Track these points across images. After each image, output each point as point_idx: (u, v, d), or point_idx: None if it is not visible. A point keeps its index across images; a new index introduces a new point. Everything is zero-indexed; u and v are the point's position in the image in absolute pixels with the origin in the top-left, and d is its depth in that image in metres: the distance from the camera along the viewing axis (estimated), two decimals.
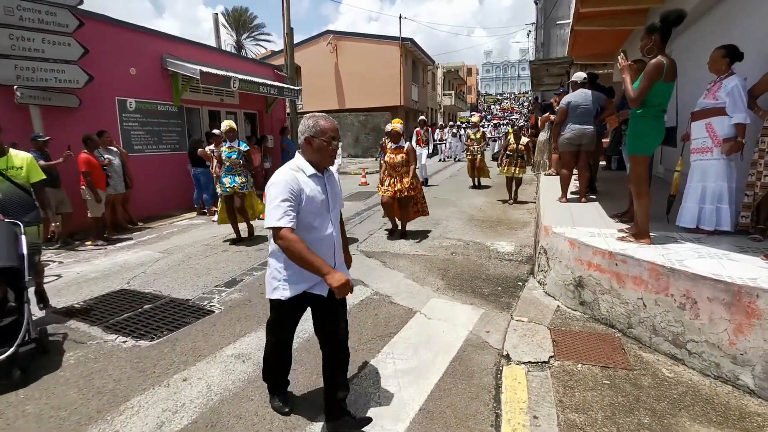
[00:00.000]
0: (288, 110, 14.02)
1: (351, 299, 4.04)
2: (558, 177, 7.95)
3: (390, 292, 4.20)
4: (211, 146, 9.21)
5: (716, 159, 3.58)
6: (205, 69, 8.68)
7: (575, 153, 5.48)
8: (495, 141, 20.08)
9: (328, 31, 23.49)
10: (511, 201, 8.51)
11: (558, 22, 14.42)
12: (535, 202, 8.01)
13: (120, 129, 8.05)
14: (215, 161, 8.27)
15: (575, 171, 5.74)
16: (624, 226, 4.07)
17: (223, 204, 6.33)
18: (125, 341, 3.38)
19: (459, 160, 18.49)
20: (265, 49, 34.81)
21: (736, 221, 3.65)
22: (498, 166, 8.77)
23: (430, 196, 9.54)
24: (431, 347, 3.11)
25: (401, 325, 3.48)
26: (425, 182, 11.02)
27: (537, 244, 4.74)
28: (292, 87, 12.24)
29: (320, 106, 23.80)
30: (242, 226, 6.45)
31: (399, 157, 5.99)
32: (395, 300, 4.01)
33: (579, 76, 5.49)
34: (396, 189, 5.99)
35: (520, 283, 4.32)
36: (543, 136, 8.64)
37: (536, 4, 28.52)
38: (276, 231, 1.98)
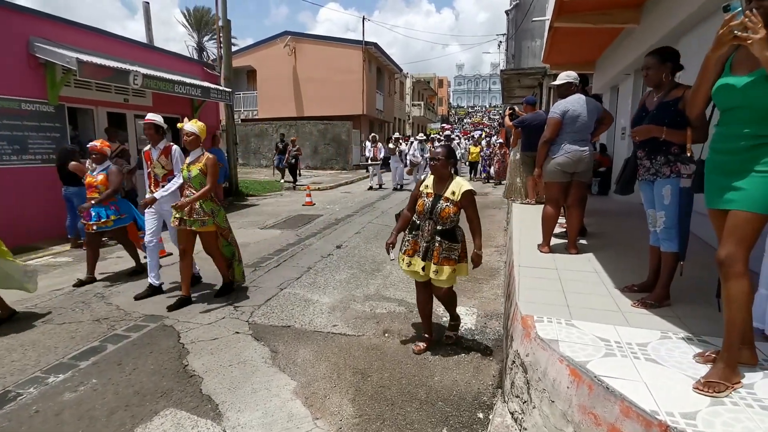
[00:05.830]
0: (223, 116, 12.07)
1: None
2: (533, 205, 6.35)
3: None
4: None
5: None
6: (86, 58, 6.66)
7: (566, 185, 3.83)
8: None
9: (286, 32, 21.61)
10: (422, 347, 3.23)
11: (534, 19, 13.15)
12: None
13: None
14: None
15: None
16: (662, 320, 2.38)
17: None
18: None
19: (399, 188, 13.58)
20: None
21: None
22: (389, 251, 3.23)
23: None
24: None
25: None
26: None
27: (508, 329, 3.00)
28: (223, 88, 10.30)
29: (277, 113, 21.85)
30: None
31: None
32: None
33: (570, 75, 3.84)
34: None
35: (481, 416, 2.55)
36: (515, 154, 7.02)
37: (507, 15, 27.67)
38: None
